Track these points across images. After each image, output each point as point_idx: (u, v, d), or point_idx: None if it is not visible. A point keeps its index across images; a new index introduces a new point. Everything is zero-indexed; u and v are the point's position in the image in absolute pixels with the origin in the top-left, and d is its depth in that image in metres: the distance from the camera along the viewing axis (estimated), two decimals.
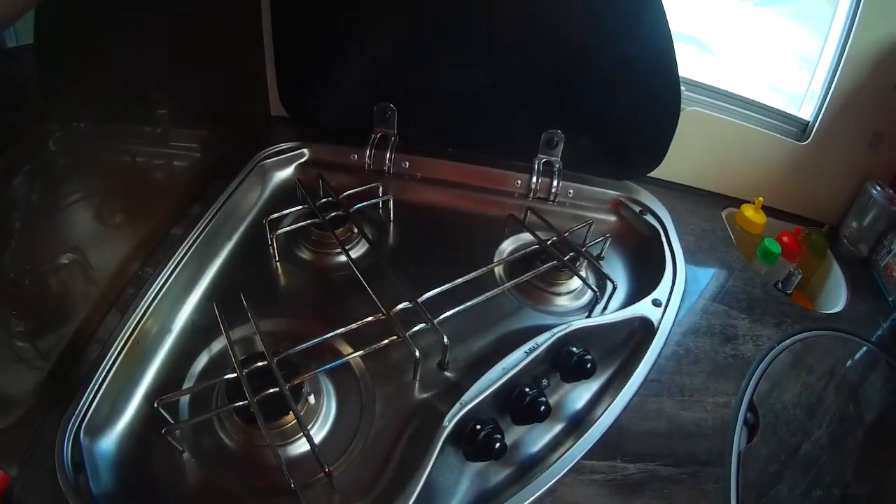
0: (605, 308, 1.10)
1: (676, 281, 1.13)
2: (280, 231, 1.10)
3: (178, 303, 1.02)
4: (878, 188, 1.35)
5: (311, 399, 0.87)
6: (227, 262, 1.12)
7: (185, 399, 0.88)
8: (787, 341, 1.10)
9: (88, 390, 0.82)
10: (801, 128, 1.41)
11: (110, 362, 0.86)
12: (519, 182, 1.32)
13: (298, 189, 1.22)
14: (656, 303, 1.07)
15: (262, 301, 0.97)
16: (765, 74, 1.53)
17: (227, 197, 1.17)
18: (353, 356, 0.89)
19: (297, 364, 0.86)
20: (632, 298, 1.11)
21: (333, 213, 1.14)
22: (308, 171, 1.31)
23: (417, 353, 0.88)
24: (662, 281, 1.12)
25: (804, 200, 1.48)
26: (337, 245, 1.11)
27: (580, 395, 0.96)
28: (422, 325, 0.91)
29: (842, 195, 1.44)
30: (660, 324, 1.04)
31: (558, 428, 0.91)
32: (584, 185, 1.32)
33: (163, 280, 0.99)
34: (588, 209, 1.32)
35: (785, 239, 1.35)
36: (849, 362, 1.14)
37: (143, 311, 0.94)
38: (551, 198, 1.30)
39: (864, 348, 1.15)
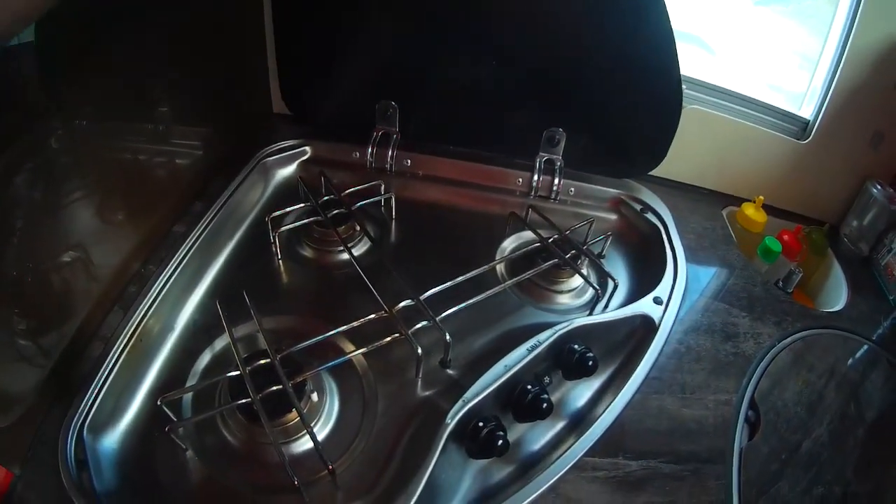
0: (606, 306, 1.10)
1: (677, 279, 1.14)
2: (282, 229, 1.11)
3: (181, 301, 1.02)
4: (879, 187, 1.35)
5: (314, 397, 0.87)
6: (230, 260, 1.12)
7: (187, 397, 0.88)
8: (788, 339, 1.10)
9: (91, 388, 0.82)
10: (802, 127, 1.42)
11: (113, 360, 0.86)
12: (520, 180, 1.32)
13: (301, 187, 1.22)
14: (657, 301, 1.07)
15: (265, 299, 0.97)
16: (765, 73, 1.54)
17: (229, 195, 1.17)
18: (356, 354, 0.90)
19: (299, 362, 0.87)
20: (633, 296, 1.12)
21: (336, 211, 1.15)
22: (310, 169, 1.31)
23: (420, 351, 0.88)
24: (663, 279, 1.13)
25: (805, 199, 1.48)
26: (339, 243, 1.11)
27: (582, 392, 0.96)
28: (424, 323, 0.92)
29: (842, 194, 1.45)
30: (661, 322, 1.04)
31: (560, 425, 0.91)
32: (586, 184, 1.32)
33: (165, 278, 0.99)
34: (589, 207, 1.32)
35: (785, 237, 1.35)
36: (849, 361, 1.14)
37: (145, 308, 0.94)
38: (553, 196, 1.31)
39: (865, 347, 1.16)
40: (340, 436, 0.86)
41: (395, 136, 1.31)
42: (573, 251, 1.12)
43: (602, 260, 1.20)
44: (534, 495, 0.79)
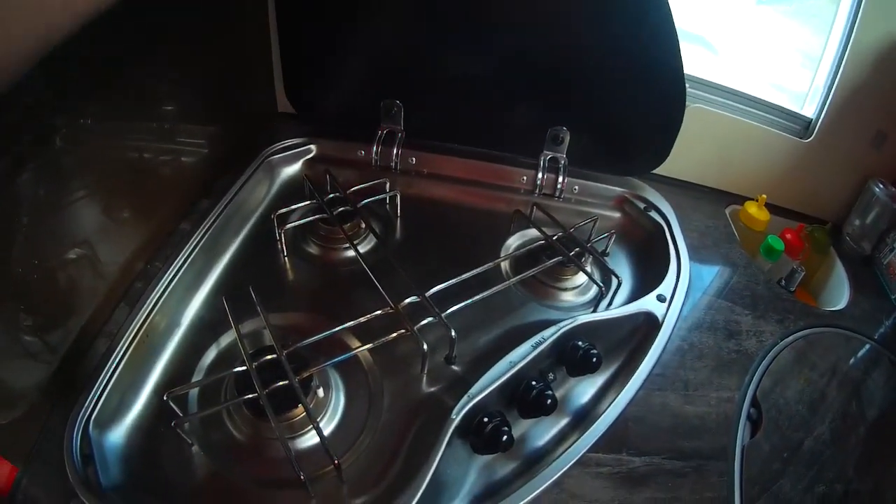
0: (610, 303, 1.11)
1: (681, 277, 1.14)
2: (288, 226, 1.11)
3: (187, 297, 1.02)
4: (881, 186, 1.35)
5: (320, 392, 0.87)
6: (235, 258, 1.13)
7: (193, 392, 0.89)
8: (790, 338, 1.11)
9: (97, 383, 0.83)
10: (804, 125, 1.42)
11: (119, 356, 0.87)
12: (525, 178, 1.32)
13: (306, 184, 1.22)
14: (661, 298, 1.08)
15: (271, 295, 0.97)
16: (768, 72, 1.54)
17: (235, 192, 1.18)
18: (362, 349, 0.90)
19: (305, 357, 0.87)
20: (636, 294, 1.12)
21: (341, 209, 1.15)
22: (315, 167, 1.32)
23: (425, 347, 0.89)
24: (667, 277, 1.13)
25: (807, 198, 1.48)
26: (345, 240, 1.12)
27: (586, 389, 0.97)
28: (429, 319, 0.92)
29: (844, 193, 1.45)
30: (664, 319, 1.05)
31: (564, 421, 0.92)
32: (590, 182, 1.32)
33: (171, 275, 1.00)
34: (593, 205, 1.32)
35: (788, 236, 1.35)
36: (851, 359, 1.14)
37: (151, 305, 0.94)
38: (557, 194, 1.31)
39: (867, 345, 1.16)
40: (346, 431, 0.86)
41: (399, 135, 1.31)
42: (577, 249, 1.12)
43: (606, 257, 1.20)
44: (538, 490, 0.79)
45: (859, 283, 1.32)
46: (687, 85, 1.15)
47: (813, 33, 1.42)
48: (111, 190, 0.95)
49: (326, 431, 0.85)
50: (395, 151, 1.31)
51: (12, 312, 0.78)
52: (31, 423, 0.80)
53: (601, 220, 1.23)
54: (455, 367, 0.95)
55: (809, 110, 1.41)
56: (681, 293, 1.11)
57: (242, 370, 0.84)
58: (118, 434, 0.82)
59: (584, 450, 0.85)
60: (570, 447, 0.85)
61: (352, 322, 0.92)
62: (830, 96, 1.34)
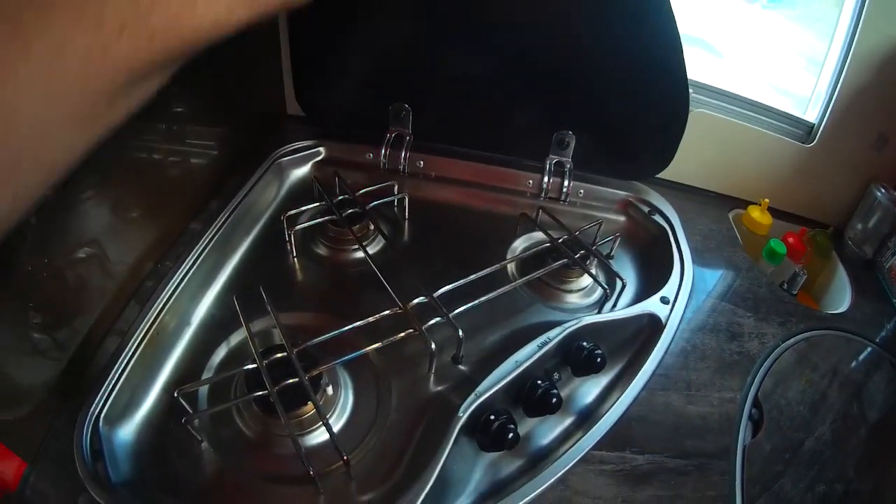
0: (614, 305, 1.12)
1: (684, 279, 1.15)
2: (298, 227, 1.12)
3: (198, 296, 1.03)
4: (883, 190, 1.36)
5: (330, 390, 0.88)
6: (245, 258, 1.14)
7: (203, 390, 0.90)
8: (792, 340, 1.11)
9: (108, 380, 0.84)
10: (807, 130, 1.43)
11: (130, 353, 0.88)
12: (531, 182, 1.33)
13: (315, 186, 1.24)
14: (664, 300, 1.09)
15: (280, 295, 0.98)
16: (772, 77, 1.55)
17: (245, 193, 1.19)
18: (370, 348, 0.90)
19: (315, 356, 0.88)
20: (640, 296, 1.13)
21: (350, 211, 1.16)
22: (324, 169, 1.33)
23: (433, 346, 0.90)
24: (670, 279, 1.14)
25: (809, 202, 1.49)
26: (353, 241, 1.13)
27: (590, 388, 0.98)
28: (437, 319, 0.93)
29: (846, 197, 1.46)
30: (667, 321, 1.06)
31: (569, 421, 0.93)
32: (595, 186, 1.33)
33: (182, 274, 1.01)
34: (598, 209, 1.33)
35: (790, 240, 1.36)
36: (853, 362, 1.15)
37: (162, 303, 0.95)
38: (562, 197, 1.32)
39: (869, 348, 1.17)
40: (354, 428, 0.87)
41: (408, 138, 1.32)
42: (582, 251, 1.13)
43: (610, 260, 1.21)
44: (543, 487, 0.80)
45: (861, 287, 1.32)
46: (691, 90, 1.16)
47: (817, 37, 1.42)
48: (121, 190, 0.96)
49: (335, 429, 0.85)
50: (403, 155, 1.32)
51: (21, 310, 0.80)
52: (39, 419, 0.81)
53: (606, 223, 1.24)
54: (462, 367, 0.96)
55: (812, 115, 1.42)
56: (684, 295, 1.12)
57: (253, 368, 0.85)
58: (128, 430, 0.83)
59: (588, 448, 0.86)
60: (574, 445, 0.85)
61: (360, 322, 0.92)
62: (833, 100, 1.34)
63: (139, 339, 0.90)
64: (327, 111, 1.38)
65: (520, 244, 1.24)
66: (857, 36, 1.26)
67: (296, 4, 0.57)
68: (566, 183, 1.30)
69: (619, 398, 0.93)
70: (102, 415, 0.80)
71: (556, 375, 0.95)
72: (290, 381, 0.82)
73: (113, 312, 0.95)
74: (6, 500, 0.73)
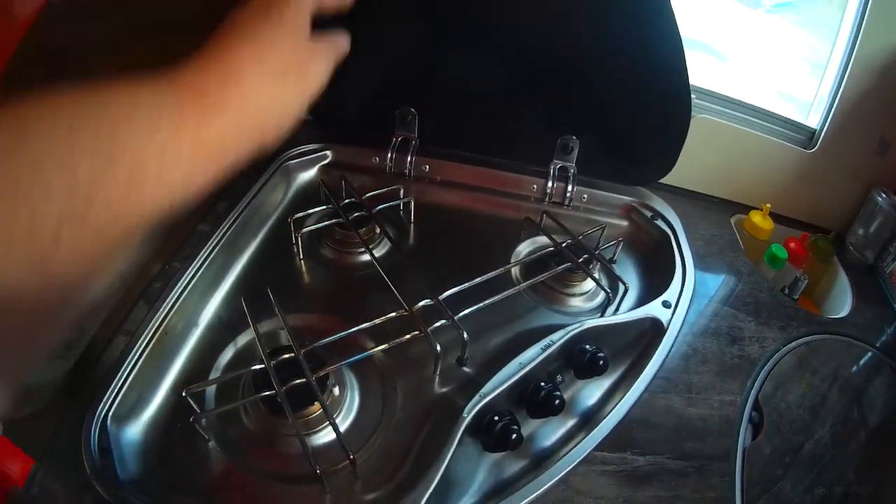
0: (617, 309, 1.13)
1: (686, 284, 1.15)
2: (305, 230, 1.13)
3: (205, 297, 1.04)
4: (884, 195, 1.37)
5: (336, 391, 0.89)
6: (253, 259, 1.15)
7: (210, 390, 0.90)
8: (793, 344, 1.12)
9: (116, 379, 0.85)
10: (809, 136, 1.44)
11: (138, 353, 0.89)
12: (535, 186, 1.34)
13: (322, 189, 1.25)
14: (666, 304, 1.10)
15: (287, 297, 0.99)
16: (776, 81, 1.55)
17: (252, 195, 1.20)
18: (377, 350, 0.92)
19: (322, 357, 0.89)
20: (643, 300, 1.14)
21: (356, 214, 1.17)
22: (331, 173, 1.34)
23: (438, 348, 0.91)
24: (672, 283, 1.15)
25: (811, 208, 1.50)
26: (360, 244, 1.14)
27: (592, 391, 0.98)
28: (442, 322, 0.94)
29: (848, 202, 1.46)
30: (669, 324, 1.06)
31: (571, 422, 0.94)
32: (598, 191, 1.34)
33: (190, 275, 1.02)
34: (601, 214, 1.34)
35: (792, 245, 1.37)
36: (853, 366, 1.15)
37: (170, 304, 0.96)
38: (566, 202, 1.32)
39: (869, 353, 1.17)
40: (360, 428, 0.88)
41: (414, 143, 1.33)
42: (586, 256, 1.14)
43: (613, 264, 1.22)
44: (545, 487, 0.81)
45: (862, 292, 1.33)
46: (693, 96, 1.17)
47: (821, 42, 1.43)
48: None
49: (342, 428, 0.86)
50: (409, 159, 1.33)
51: None
52: (47, 417, 0.81)
53: (609, 228, 1.25)
54: (467, 369, 0.97)
55: (814, 120, 1.43)
56: (686, 300, 1.12)
57: (260, 368, 0.86)
58: (136, 429, 0.84)
59: (590, 449, 0.87)
60: (576, 446, 0.87)
61: (367, 324, 0.93)
62: (834, 106, 1.35)
63: (147, 339, 0.91)
64: (334, 114, 1.38)
65: (524, 248, 1.25)
66: (858, 41, 1.27)
67: (263, 155, 0.59)
68: (570, 188, 1.31)
69: (620, 400, 0.94)
70: (110, 413, 0.81)
71: (559, 378, 0.96)
72: (298, 381, 0.83)
73: (121, 313, 0.96)
74: (13, 496, 0.74)
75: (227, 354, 0.97)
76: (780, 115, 1.44)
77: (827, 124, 1.38)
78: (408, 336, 0.92)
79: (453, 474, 0.82)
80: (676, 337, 1.06)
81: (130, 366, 0.87)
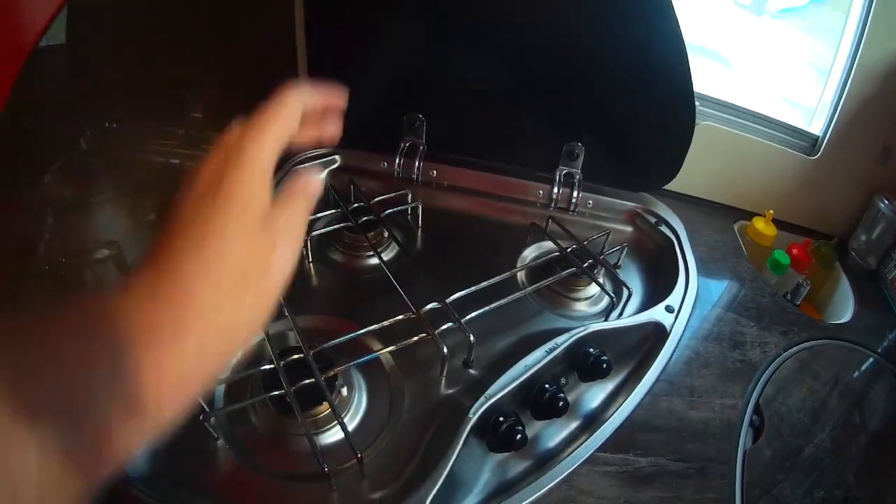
0: (620, 313, 1.14)
1: (689, 289, 1.17)
2: (314, 233, 1.15)
3: None
4: (887, 202, 1.37)
5: (344, 391, 0.90)
6: None
7: (220, 389, 0.91)
8: (794, 349, 1.13)
9: None
10: (812, 143, 1.45)
11: None
12: (541, 192, 1.36)
13: (331, 194, 1.26)
14: (669, 309, 1.11)
15: (296, 299, 0.99)
16: (781, 87, 1.56)
17: None
18: (384, 352, 0.93)
19: (330, 358, 0.90)
20: (646, 304, 1.15)
21: (365, 218, 1.19)
22: (340, 177, 1.35)
23: (445, 350, 0.92)
24: (675, 288, 1.16)
25: (813, 214, 1.51)
26: (368, 248, 1.16)
27: (596, 394, 1.00)
28: (449, 325, 0.95)
29: (850, 209, 1.47)
30: (672, 329, 1.07)
31: (575, 424, 0.95)
32: (603, 197, 1.35)
33: None
34: (606, 219, 1.35)
35: (794, 251, 1.38)
36: (854, 371, 1.16)
37: None
38: (571, 208, 1.34)
39: (870, 358, 1.18)
40: (368, 429, 0.90)
41: (421, 148, 1.35)
42: (590, 261, 1.15)
43: (617, 270, 1.23)
44: (548, 486, 0.82)
45: (864, 298, 1.34)
46: (698, 103, 1.18)
47: (826, 47, 1.43)
48: (140, 193, 0.98)
49: (349, 428, 0.87)
50: (416, 164, 1.34)
51: (39, 307, 0.81)
52: None
53: (614, 233, 1.27)
54: (473, 371, 0.98)
55: (817, 126, 1.43)
56: (689, 304, 1.13)
57: (270, 368, 0.87)
58: None
59: (593, 449, 0.88)
60: (579, 447, 0.88)
61: (375, 325, 0.95)
62: (837, 112, 1.36)
63: None
64: (342, 119, 1.39)
65: (530, 253, 1.27)
66: (861, 48, 1.28)
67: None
68: (575, 194, 1.33)
69: (623, 403, 0.95)
70: None
71: (563, 380, 0.97)
72: (307, 381, 0.85)
73: None
74: None
75: (237, 354, 0.98)
76: (784, 122, 1.45)
77: (830, 131, 1.38)
78: (415, 338, 0.94)
79: (459, 474, 0.83)
80: (679, 341, 1.07)
81: None
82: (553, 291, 1.16)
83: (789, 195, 1.47)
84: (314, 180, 0.57)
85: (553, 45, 1.19)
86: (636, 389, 0.97)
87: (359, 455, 0.79)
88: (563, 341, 0.97)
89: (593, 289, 1.17)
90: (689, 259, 1.23)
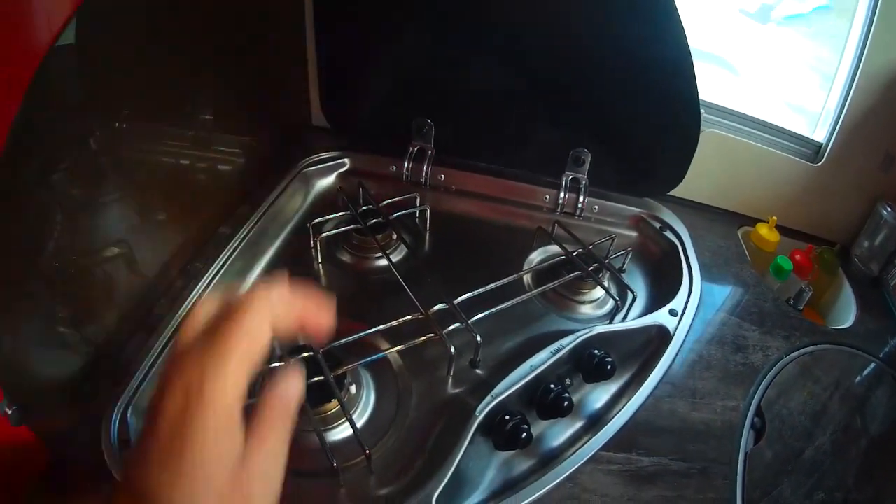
0: (625, 316, 1.15)
1: (692, 293, 1.18)
2: (323, 235, 1.17)
3: None
4: (889, 209, 1.37)
5: (353, 389, 0.92)
6: (272, 262, 1.18)
7: None
8: (796, 353, 1.14)
9: (137, 373, 0.88)
10: (815, 150, 1.45)
11: (159, 348, 0.92)
12: (547, 197, 1.37)
13: (340, 196, 1.28)
14: (673, 312, 1.12)
15: None
16: (787, 94, 1.57)
17: (272, 201, 1.23)
18: (392, 351, 0.95)
19: (340, 357, 0.91)
20: (650, 308, 1.16)
21: (374, 220, 1.20)
22: (349, 180, 1.37)
23: (453, 350, 0.93)
24: (679, 293, 1.17)
25: (817, 220, 1.51)
26: (377, 249, 1.17)
27: (600, 394, 1.01)
28: (457, 325, 0.97)
29: (853, 215, 1.47)
30: (675, 332, 1.09)
31: (579, 424, 0.96)
32: (609, 202, 1.37)
33: (211, 274, 1.06)
34: (611, 224, 1.37)
35: (797, 257, 1.38)
36: (855, 376, 1.17)
37: (191, 302, 1.00)
38: (577, 212, 1.35)
39: (872, 364, 1.18)
40: (375, 426, 0.91)
41: (430, 152, 1.37)
42: (595, 265, 1.17)
43: (622, 273, 1.24)
44: (553, 484, 0.83)
45: (867, 304, 1.34)
46: (702, 110, 1.19)
47: (832, 54, 1.43)
48: (150, 193, 1.00)
49: (358, 425, 0.88)
50: (425, 168, 1.36)
51: (49, 304, 0.83)
52: (67, 409, 0.85)
53: (619, 238, 1.28)
54: (479, 371, 1.00)
55: (821, 133, 1.44)
56: (692, 308, 1.15)
57: (279, 366, 0.88)
58: None
59: (597, 449, 0.89)
60: (583, 446, 0.89)
61: (383, 325, 0.97)
62: (841, 119, 1.36)
63: (168, 335, 0.94)
64: (352, 123, 1.42)
65: (536, 256, 1.28)
66: (864, 55, 1.28)
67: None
68: (581, 199, 1.34)
69: (627, 403, 0.96)
70: (131, 406, 0.84)
71: (568, 381, 0.98)
72: (316, 378, 0.86)
73: (141, 310, 0.99)
74: (34, 487, 0.77)
75: None
76: (787, 129, 1.46)
77: (833, 138, 1.39)
78: (423, 338, 0.95)
79: (465, 471, 0.85)
80: (682, 344, 1.08)
81: (151, 360, 0.91)
82: (559, 294, 1.17)
83: (793, 202, 1.47)
84: (293, 383, 0.51)
85: (559, 51, 1.20)
86: (640, 391, 0.99)
87: (367, 451, 0.81)
88: (568, 343, 0.98)
89: (598, 292, 1.18)
90: (692, 264, 1.25)
